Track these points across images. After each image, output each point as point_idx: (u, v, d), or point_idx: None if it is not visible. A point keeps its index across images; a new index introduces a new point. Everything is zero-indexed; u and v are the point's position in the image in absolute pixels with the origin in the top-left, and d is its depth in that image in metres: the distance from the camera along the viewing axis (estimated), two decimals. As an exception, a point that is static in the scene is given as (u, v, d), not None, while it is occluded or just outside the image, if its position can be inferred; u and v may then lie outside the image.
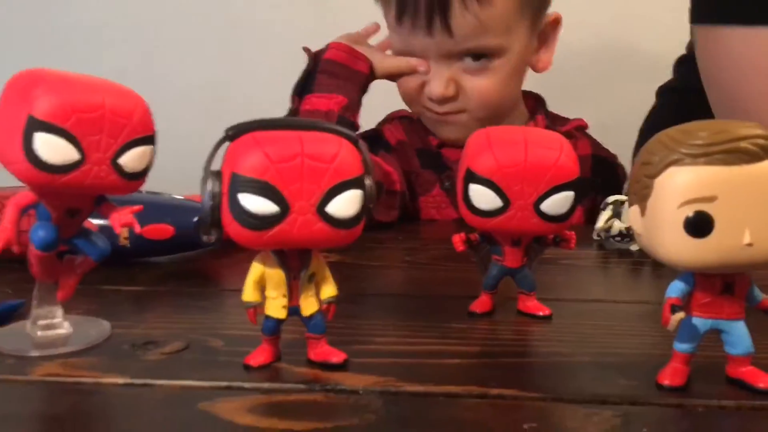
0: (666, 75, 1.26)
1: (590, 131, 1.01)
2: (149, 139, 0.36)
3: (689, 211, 0.30)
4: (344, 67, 0.86)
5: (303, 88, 0.85)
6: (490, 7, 0.80)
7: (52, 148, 0.32)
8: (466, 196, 0.41)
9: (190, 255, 0.59)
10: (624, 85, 1.27)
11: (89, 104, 0.33)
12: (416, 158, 0.92)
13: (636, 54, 1.27)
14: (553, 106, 1.00)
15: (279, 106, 1.21)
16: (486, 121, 0.88)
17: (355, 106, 0.86)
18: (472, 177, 0.40)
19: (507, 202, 0.40)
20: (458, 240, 0.44)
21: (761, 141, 0.30)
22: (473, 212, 0.41)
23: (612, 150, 0.99)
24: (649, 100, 1.25)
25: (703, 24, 0.76)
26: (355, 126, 0.88)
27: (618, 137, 1.02)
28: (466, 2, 0.79)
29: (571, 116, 0.97)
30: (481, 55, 0.84)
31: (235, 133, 0.33)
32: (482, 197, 0.40)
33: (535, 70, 0.92)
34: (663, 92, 0.96)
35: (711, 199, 0.30)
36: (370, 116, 0.90)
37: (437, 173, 0.92)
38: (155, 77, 1.28)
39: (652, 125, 0.96)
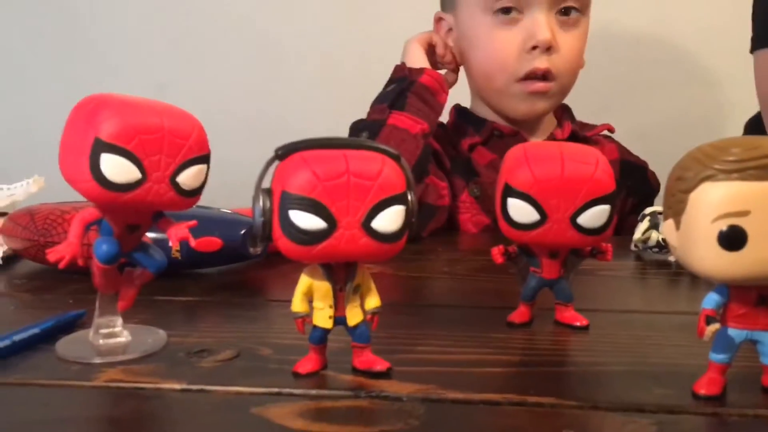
0: (704, 82, 1.26)
1: (625, 139, 1.01)
2: (205, 158, 0.38)
3: (723, 226, 0.31)
4: (433, 96, 0.88)
5: (394, 102, 0.87)
6: None
7: (116, 168, 0.35)
8: (504, 210, 0.42)
9: (237, 267, 0.62)
10: (660, 92, 1.27)
11: (150, 126, 0.36)
12: (449, 164, 0.94)
13: (674, 60, 1.27)
14: (587, 114, 1.01)
15: (315, 116, 1.25)
16: (564, 94, 0.93)
17: (431, 134, 0.88)
18: (509, 191, 0.42)
19: (544, 216, 0.41)
20: (497, 252, 0.45)
21: (793, 157, 0.31)
22: (511, 225, 0.42)
23: (647, 158, 1.00)
24: (684, 108, 1.24)
25: (763, 49, 0.78)
26: (435, 153, 0.91)
27: (653, 145, 1.02)
28: None
29: (610, 124, 0.98)
30: (571, 8, 0.88)
31: (284, 152, 0.35)
32: (520, 211, 0.41)
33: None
34: (749, 126, 0.97)
35: (744, 214, 0.31)
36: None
37: (465, 179, 0.93)
38: (194, 90, 1.32)
39: None
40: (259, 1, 1.34)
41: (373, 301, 0.37)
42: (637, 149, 1.01)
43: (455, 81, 0.97)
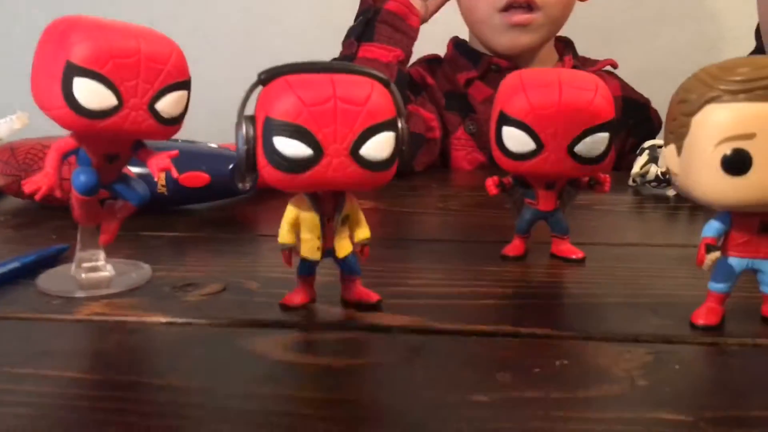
0: (705, 20, 1.23)
1: (627, 75, 0.99)
2: (185, 84, 0.36)
3: (727, 149, 0.29)
4: (402, 21, 0.86)
5: (361, 34, 0.84)
6: None
7: (90, 94, 0.33)
8: (499, 139, 0.40)
9: (225, 202, 0.61)
10: (663, 29, 1.24)
11: (126, 49, 0.34)
12: (443, 100, 0.92)
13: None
14: (589, 50, 0.99)
15: (309, 52, 1.21)
16: (553, 26, 0.88)
17: (407, 61, 0.86)
18: (505, 119, 0.40)
19: (540, 145, 0.39)
20: (491, 183, 0.44)
21: (804, 76, 0.29)
22: (506, 155, 0.41)
23: (650, 94, 0.98)
24: (687, 46, 1.22)
25: None
26: (411, 81, 0.88)
27: (655, 83, 1.00)
28: None
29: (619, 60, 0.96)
30: None
31: (267, 77, 0.33)
32: (515, 140, 0.40)
33: None
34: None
35: (750, 137, 0.29)
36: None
37: (461, 115, 0.91)
38: (187, 26, 1.28)
39: None
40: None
41: (362, 233, 0.36)
42: (639, 86, 0.99)
43: (435, 10, 0.93)
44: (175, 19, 1.27)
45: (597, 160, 0.40)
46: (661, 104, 0.96)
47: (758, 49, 0.92)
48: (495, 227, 0.54)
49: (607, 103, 0.39)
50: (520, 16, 0.85)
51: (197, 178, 0.55)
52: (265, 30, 1.29)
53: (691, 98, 0.30)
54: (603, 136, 0.39)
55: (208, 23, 1.30)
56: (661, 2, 1.24)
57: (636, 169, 0.67)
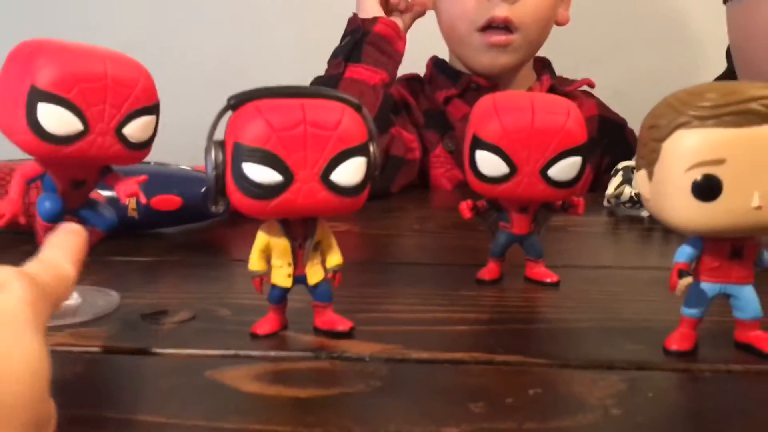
0: (682, 42, 1.24)
1: (604, 97, 1.00)
2: (153, 109, 0.36)
3: (697, 175, 0.29)
4: (390, 45, 0.86)
5: (349, 55, 0.84)
6: None
7: (55, 119, 0.32)
8: (473, 163, 0.40)
9: (198, 226, 0.60)
10: (639, 50, 1.25)
11: (92, 74, 0.33)
12: (422, 118, 0.92)
13: (652, 18, 1.25)
14: (566, 71, 0.99)
15: (289, 76, 1.21)
16: (531, 47, 0.89)
17: (391, 84, 0.87)
18: (478, 143, 0.40)
19: (514, 169, 0.39)
20: (465, 207, 0.43)
21: (772, 102, 0.29)
22: (480, 179, 0.40)
23: (626, 116, 0.99)
24: (663, 66, 1.23)
25: (736, 0, 0.76)
26: (407, 106, 0.88)
27: (632, 104, 1.01)
28: None
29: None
30: None
31: (237, 101, 0.33)
32: (489, 163, 0.40)
33: (557, 21, 0.92)
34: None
35: (719, 162, 0.29)
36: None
37: (440, 133, 0.92)
38: (163, 49, 1.27)
39: None
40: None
41: (334, 259, 0.35)
42: (616, 107, 1.00)
43: (409, 26, 0.93)
44: (155, 36, 1.27)
45: (570, 183, 0.40)
46: (638, 125, 0.97)
47: (729, 71, 0.93)
48: (472, 249, 0.54)
49: (579, 127, 0.39)
50: (498, 37, 0.86)
51: (169, 201, 0.54)
52: (244, 51, 1.29)
53: (661, 124, 0.31)
54: (575, 160, 0.39)
55: (184, 42, 1.29)
56: (638, 25, 1.25)
57: (610, 190, 0.67)
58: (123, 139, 0.34)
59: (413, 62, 0.96)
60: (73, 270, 0.26)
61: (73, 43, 0.34)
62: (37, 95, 0.32)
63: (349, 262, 0.36)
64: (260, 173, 0.31)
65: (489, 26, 0.85)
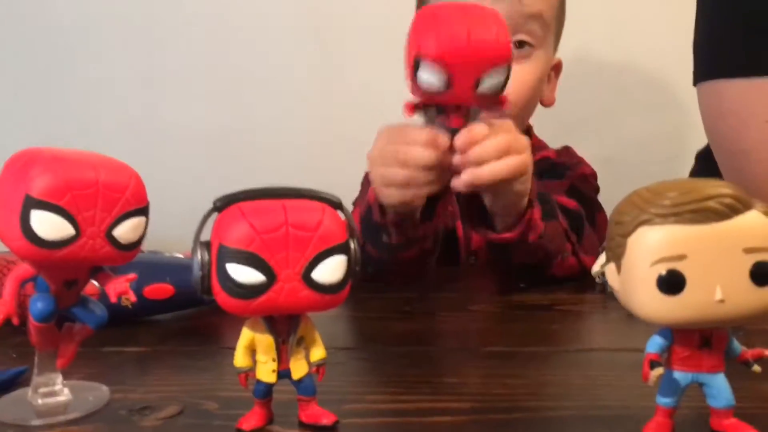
0: (671, 109, 1.27)
1: (596, 165, 1.01)
2: (143, 210, 0.37)
3: (662, 270, 0.31)
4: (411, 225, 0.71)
5: (375, 242, 0.72)
6: None
7: (48, 225, 0.34)
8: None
9: (192, 312, 0.61)
10: (628, 118, 1.28)
11: (84, 181, 0.35)
12: None
13: (641, 86, 1.28)
14: (558, 139, 1.01)
15: (280, 155, 1.24)
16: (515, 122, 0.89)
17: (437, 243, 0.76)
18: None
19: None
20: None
21: (728, 200, 0.31)
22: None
23: (617, 183, 0.99)
24: (654, 132, 1.25)
25: (706, 81, 0.79)
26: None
27: (623, 171, 1.03)
28: None
29: (576, 148, 0.98)
30: (524, 42, 0.85)
31: (222, 204, 0.35)
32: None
33: (543, 102, 0.94)
34: (699, 158, 0.98)
35: (681, 257, 0.31)
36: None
37: None
38: (160, 129, 1.31)
39: None
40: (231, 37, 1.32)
41: (318, 353, 0.36)
42: (607, 173, 1.01)
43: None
44: (154, 120, 1.30)
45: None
46: (620, 191, 0.97)
47: (699, 171, 0.95)
48: (459, 332, 0.55)
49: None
50: None
51: (161, 290, 0.55)
52: (240, 132, 1.31)
53: (626, 220, 0.32)
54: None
55: (183, 124, 1.32)
56: (624, 93, 1.28)
57: (596, 267, 0.68)
58: (113, 240, 0.36)
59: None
60: None
61: (67, 151, 0.36)
62: (31, 203, 0.33)
63: (337, 347, 0.37)
64: (244, 274, 0.33)
65: None
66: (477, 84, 0.45)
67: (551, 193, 0.79)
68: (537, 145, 0.96)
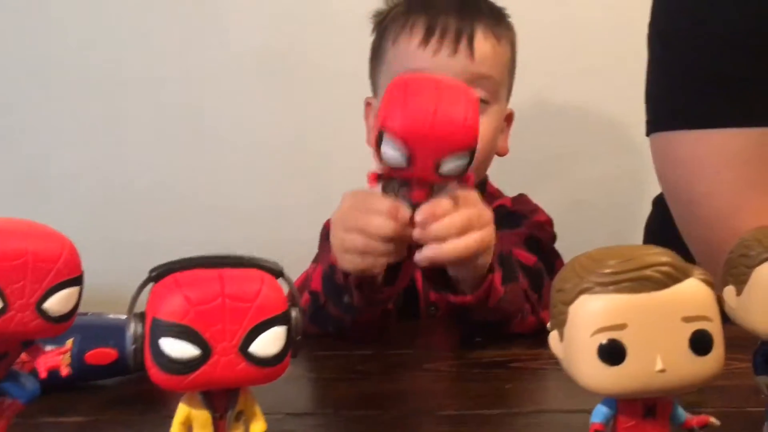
0: (625, 154, 1.29)
1: (564, 208, 1.02)
2: (76, 281, 0.36)
3: (602, 339, 0.30)
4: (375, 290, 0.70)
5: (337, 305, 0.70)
6: (499, 47, 0.86)
7: (-29, 300, 0.32)
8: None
9: (135, 376, 0.59)
10: (582, 163, 1.30)
11: (12, 252, 0.33)
12: None
13: (606, 128, 1.31)
14: (510, 184, 1.02)
15: (243, 206, 1.23)
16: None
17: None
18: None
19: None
20: None
21: (666, 268, 0.31)
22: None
23: (587, 223, 1.00)
24: (607, 179, 1.27)
25: (658, 132, 0.81)
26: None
27: (574, 214, 1.04)
28: (486, 33, 0.84)
29: (541, 194, 0.99)
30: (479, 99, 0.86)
31: (158, 274, 0.34)
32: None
33: (498, 152, 0.95)
34: (656, 203, 1.00)
35: (622, 327, 0.30)
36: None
37: None
38: (112, 180, 1.28)
39: (649, 236, 0.99)
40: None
41: (258, 427, 0.35)
42: (577, 215, 1.01)
43: None
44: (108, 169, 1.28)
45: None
46: (582, 233, 0.98)
47: (656, 216, 0.96)
48: (415, 393, 0.54)
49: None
50: None
51: (104, 354, 0.53)
52: (195, 182, 1.30)
53: (567, 288, 0.32)
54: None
55: (138, 178, 1.30)
56: (580, 137, 1.30)
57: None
58: (43, 313, 0.34)
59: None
60: None
61: (-1, 220, 0.35)
62: (-47, 279, 0.32)
63: (285, 413, 0.35)
64: (177, 348, 0.32)
65: None
66: (437, 165, 0.44)
67: (510, 243, 0.79)
68: (493, 194, 0.97)
